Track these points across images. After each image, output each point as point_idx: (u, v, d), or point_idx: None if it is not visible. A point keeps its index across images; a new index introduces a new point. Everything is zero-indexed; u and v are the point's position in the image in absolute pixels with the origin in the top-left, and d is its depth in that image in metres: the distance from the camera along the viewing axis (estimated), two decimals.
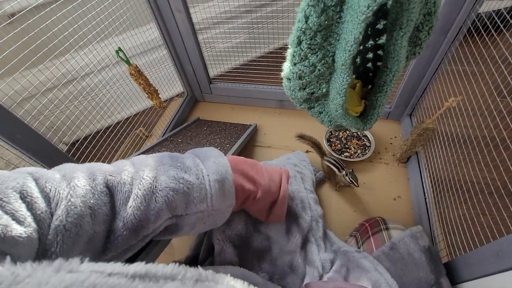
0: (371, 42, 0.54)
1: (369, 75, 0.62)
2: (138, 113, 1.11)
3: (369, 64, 0.60)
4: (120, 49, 0.71)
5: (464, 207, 0.64)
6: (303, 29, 0.40)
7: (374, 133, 0.94)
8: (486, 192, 0.58)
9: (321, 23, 0.38)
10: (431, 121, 0.72)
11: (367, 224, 0.60)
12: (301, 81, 0.51)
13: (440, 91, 0.78)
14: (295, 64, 0.48)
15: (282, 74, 0.53)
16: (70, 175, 0.29)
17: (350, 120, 0.57)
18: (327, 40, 0.43)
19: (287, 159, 0.75)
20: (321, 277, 0.47)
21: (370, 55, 0.58)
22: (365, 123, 0.61)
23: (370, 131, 0.94)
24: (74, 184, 0.28)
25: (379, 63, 0.59)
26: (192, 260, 0.52)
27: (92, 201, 0.28)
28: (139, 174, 0.32)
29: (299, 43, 0.43)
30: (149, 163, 0.35)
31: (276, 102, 1.09)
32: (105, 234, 0.29)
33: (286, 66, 0.50)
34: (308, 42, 0.42)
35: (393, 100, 0.94)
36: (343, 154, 0.88)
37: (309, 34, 0.40)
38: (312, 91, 0.53)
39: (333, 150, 0.88)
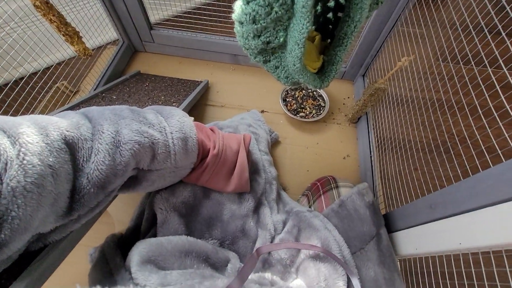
0: None
1: (328, 27, 0.57)
2: (62, 62, 0.90)
3: (330, 14, 0.54)
4: None
5: (400, 163, 0.69)
6: None
7: (329, 93, 0.93)
8: (422, 149, 0.62)
9: None
10: (383, 81, 0.73)
11: (318, 183, 0.61)
12: (256, 26, 0.43)
13: (392, 52, 0.78)
14: (248, 2, 0.40)
15: (234, 16, 0.44)
16: (14, 131, 0.25)
17: (308, 76, 0.53)
18: None
19: (241, 119, 0.70)
20: (273, 238, 0.46)
21: (332, 3, 0.53)
22: (322, 80, 0.58)
23: (325, 91, 0.93)
24: (25, 140, 0.24)
25: (340, 14, 0.54)
26: (133, 232, 0.47)
27: (51, 159, 0.26)
28: (97, 129, 0.31)
29: None
30: (107, 117, 0.33)
31: (230, 56, 0.99)
32: (68, 194, 0.28)
33: (238, 5, 0.42)
34: None
35: (349, 59, 0.92)
36: (298, 114, 0.86)
37: None
38: (268, 39, 0.46)
39: (288, 110, 0.86)
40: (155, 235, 0.42)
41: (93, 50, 0.71)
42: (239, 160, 0.47)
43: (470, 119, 0.47)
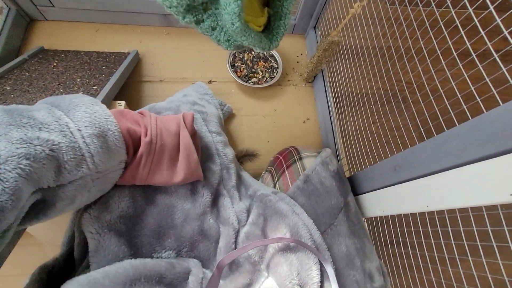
0: None
1: None
2: None
3: None
4: None
5: (360, 119, 0.68)
6: None
7: (280, 52, 0.84)
8: (380, 100, 0.60)
9: None
10: (336, 32, 0.66)
11: (281, 157, 0.56)
12: None
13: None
14: None
15: None
16: None
17: (252, 37, 0.43)
18: None
19: (183, 97, 0.59)
20: (237, 233, 0.41)
21: None
22: (271, 39, 0.49)
23: (276, 49, 0.84)
24: None
25: None
26: (68, 259, 0.38)
27: None
28: None
29: None
30: None
31: (161, 17, 0.82)
32: None
33: None
34: None
35: (297, 10, 0.82)
36: (250, 80, 0.77)
37: None
38: None
39: (239, 77, 0.76)
40: (88, 267, 0.34)
41: None
42: (182, 142, 0.39)
43: (429, 61, 0.43)
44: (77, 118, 0.30)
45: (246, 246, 0.35)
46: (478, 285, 0.37)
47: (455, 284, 0.40)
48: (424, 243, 0.42)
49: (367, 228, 0.50)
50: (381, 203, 0.47)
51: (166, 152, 0.38)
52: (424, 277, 0.47)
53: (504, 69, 0.30)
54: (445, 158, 0.33)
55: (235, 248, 0.39)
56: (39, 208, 0.28)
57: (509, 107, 0.26)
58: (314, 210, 0.44)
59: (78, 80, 0.60)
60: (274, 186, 0.52)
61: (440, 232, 0.39)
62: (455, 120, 0.35)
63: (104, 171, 0.31)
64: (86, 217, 0.35)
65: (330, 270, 0.34)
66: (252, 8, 0.47)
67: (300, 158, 0.53)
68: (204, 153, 0.48)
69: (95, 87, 0.58)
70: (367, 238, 0.46)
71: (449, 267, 0.42)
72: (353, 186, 0.56)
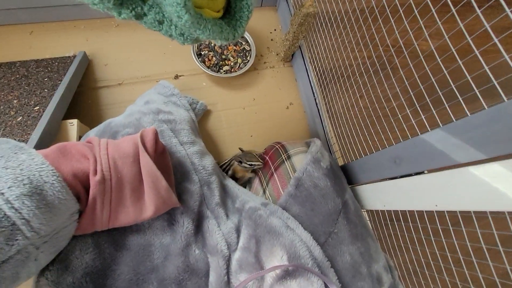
0: None
1: None
2: None
3: None
4: None
5: (346, 95, 0.62)
6: None
7: (251, 30, 0.75)
8: (366, 71, 0.54)
9: None
10: (311, 2, 0.57)
11: (267, 158, 0.50)
12: None
13: None
14: None
15: None
16: None
17: (209, 28, 0.34)
18: None
19: (144, 105, 0.51)
20: (228, 261, 0.36)
21: None
22: (234, 26, 0.40)
23: (246, 28, 0.74)
24: None
25: None
26: None
27: None
28: None
29: None
30: None
31: None
32: None
33: None
34: None
35: None
36: (222, 69, 0.68)
37: None
38: None
39: (208, 67, 0.67)
40: None
41: None
42: (144, 169, 0.32)
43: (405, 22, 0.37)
44: None
45: (239, 285, 0.30)
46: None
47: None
48: (433, 241, 0.39)
49: (368, 224, 0.46)
50: (381, 196, 0.43)
51: (126, 185, 0.31)
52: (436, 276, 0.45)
53: (508, 11, 0.24)
54: (456, 153, 0.28)
55: (228, 281, 0.35)
56: None
57: None
58: (311, 220, 0.39)
59: (15, 101, 0.50)
60: (264, 193, 0.47)
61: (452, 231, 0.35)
62: (450, 80, 0.30)
63: (50, 233, 0.25)
64: (42, 283, 0.29)
65: None
66: None
67: (289, 157, 0.47)
68: (179, 172, 0.41)
69: (37, 107, 0.49)
70: (370, 237, 0.43)
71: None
72: (350, 176, 0.52)
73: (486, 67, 0.27)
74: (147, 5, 0.31)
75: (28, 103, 0.50)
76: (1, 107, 0.49)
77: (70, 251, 0.31)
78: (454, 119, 0.28)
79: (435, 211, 0.34)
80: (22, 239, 0.23)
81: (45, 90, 0.53)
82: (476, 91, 0.27)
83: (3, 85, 0.54)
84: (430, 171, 0.34)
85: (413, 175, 0.36)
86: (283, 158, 0.48)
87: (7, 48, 0.64)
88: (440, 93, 0.32)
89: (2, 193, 0.22)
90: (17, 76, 0.57)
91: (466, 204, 0.28)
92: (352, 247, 0.38)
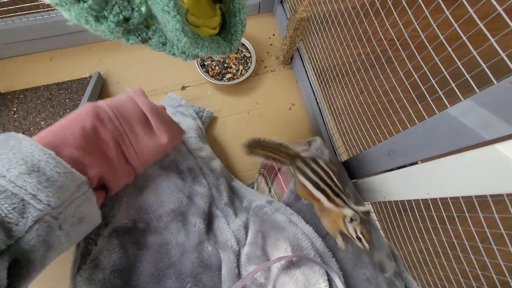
0: None
1: None
2: None
3: None
4: None
5: (345, 90, 0.64)
6: None
7: (250, 37, 0.78)
8: (363, 66, 0.55)
9: None
10: (303, 8, 0.60)
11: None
12: (89, 3, 0.27)
13: None
14: None
15: None
16: None
17: (207, 46, 0.38)
18: None
19: None
20: (238, 256, 0.40)
21: None
22: (230, 40, 0.44)
23: (245, 35, 0.77)
24: None
25: None
26: None
27: None
28: None
29: None
30: None
31: None
32: None
33: None
34: None
35: None
36: (225, 77, 0.72)
37: None
38: (121, 16, 0.30)
39: (212, 76, 0.71)
40: None
41: None
42: (144, 107, 0.35)
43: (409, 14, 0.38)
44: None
45: (247, 276, 0.34)
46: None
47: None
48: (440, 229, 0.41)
49: (370, 215, 0.48)
50: (380, 188, 0.45)
51: (136, 125, 0.34)
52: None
53: None
54: (439, 143, 0.30)
55: (239, 273, 0.38)
56: (18, 270, 0.25)
57: (504, 85, 0.22)
58: (313, 214, 0.42)
59: (43, 122, 0.56)
60: (270, 191, 0.50)
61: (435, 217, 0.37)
62: (443, 69, 0.31)
63: (61, 204, 0.27)
64: (78, 280, 0.33)
65: (337, 281, 0.33)
66: (201, 8, 0.42)
67: None
68: (189, 176, 0.45)
69: None
70: (372, 226, 0.45)
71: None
72: (352, 170, 0.54)
73: (474, 52, 0.28)
74: (151, 30, 0.35)
75: (54, 123, 0.56)
76: (31, 129, 0.55)
77: (99, 251, 0.35)
78: (436, 111, 0.30)
79: (439, 199, 0.36)
80: (34, 211, 0.25)
81: (67, 110, 0.59)
82: (469, 77, 0.29)
83: (31, 108, 0.60)
84: (423, 161, 0.36)
85: (407, 166, 0.38)
86: None
87: (31, 74, 0.71)
88: (433, 81, 0.33)
89: (4, 176, 0.24)
90: (42, 99, 0.63)
91: (455, 191, 0.30)
92: None
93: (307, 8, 0.60)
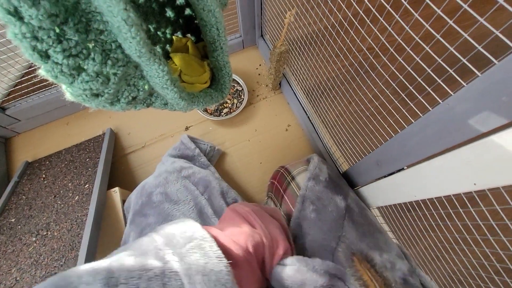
0: None
1: (195, 23, 0.48)
2: None
3: (187, 11, 0.46)
4: None
5: (335, 104, 0.68)
6: (32, 28, 0.22)
7: (239, 72, 0.85)
8: (351, 76, 0.58)
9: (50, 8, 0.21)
10: (281, 42, 0.67)
11: (275, 182, 0.58)
12: (104, 97, 0.34)
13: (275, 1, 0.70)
14: (71, 84, 0.30)
15: (68, 96, 0.34)
16: None
17: (201, 101, 0.45)
18: (89, 30, 0.26)
19: (171, 164, 0.61)
20: None
21: (171, 13, 0.44)
22: (221, 89, 0.51)
23: (235, 71, 0.85)
24: None
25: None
26: None
27: None
28: None
29: (46, 55, 0.25)
30: None
31: None
32: None
33: (64, 89, 0.32)
34: (59, 49, 0.24)
35: (239, 27, 0.83)
36: (222, 112, 0.78)
37: (49, 35, 0.23)
38: (130, 97, 0.37)
39: (211, 114, 0.78)
40: None
41: None
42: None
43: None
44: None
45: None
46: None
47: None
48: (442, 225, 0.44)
49: (375, 219, 0.52)
50: (378, 195, 0.49)
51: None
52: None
53: None
54: (414, 153, 0.35)
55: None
56: None
57: (460, 95, 0.26)
58: (321, 228, 0.46)
59: (70, 184, 0.63)
60: None
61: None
62: (425, 67, 0.33)
63: None
64: None
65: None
66: (192, 68, 0.49)
67: (293, 178, 0.55)
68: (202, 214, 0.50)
69: (87, 185, 0.61)
70: (378, 231, 0.48)
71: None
72: (352, 180, 0.58)
73: (451, 48, 0.29)
74: (153, 96, 0.42)
75: (79, 183, 0.63)
76: (61, 191, 0.62)
77: None
78: (405, 126, 0.35)
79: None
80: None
81: (89, 169, 0.66)
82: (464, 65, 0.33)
83: (58, 173, 0.68)
84: (408, 167, 0.41)
85: (395, 173, 0.43)
86: (288, 180, 0.55)
87: (51, 141, 0.80)
88: (419, 79, 0.34)
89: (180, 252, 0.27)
90: (66, 162, 0.71)
91: (434, 192, 0.34)
92: (361, 244, 0.44)
93: (284, 42, 0.67)
